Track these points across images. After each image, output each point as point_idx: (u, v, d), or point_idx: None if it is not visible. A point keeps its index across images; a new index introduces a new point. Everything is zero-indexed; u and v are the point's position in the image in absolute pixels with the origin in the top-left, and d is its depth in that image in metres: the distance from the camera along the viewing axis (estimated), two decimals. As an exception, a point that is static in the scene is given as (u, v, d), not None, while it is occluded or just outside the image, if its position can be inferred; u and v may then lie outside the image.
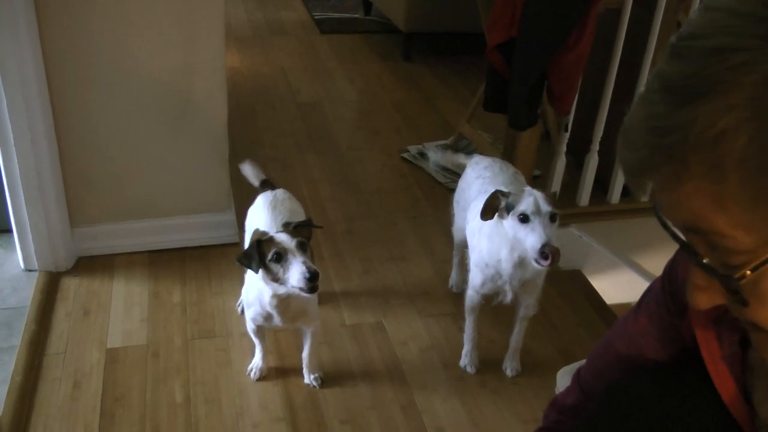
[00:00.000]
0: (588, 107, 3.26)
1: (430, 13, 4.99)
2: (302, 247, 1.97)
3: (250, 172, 2.61)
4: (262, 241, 2.00)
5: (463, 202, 2.58)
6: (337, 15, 6.10)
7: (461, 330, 2.64)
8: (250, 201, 2.54)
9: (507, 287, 2.26)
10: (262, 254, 1.98)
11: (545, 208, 2.05)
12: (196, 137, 2.86)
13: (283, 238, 1.98)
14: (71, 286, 2.79)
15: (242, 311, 2.53)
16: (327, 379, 2.41)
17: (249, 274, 2.19)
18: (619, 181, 3.38)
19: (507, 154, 3.21)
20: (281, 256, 1.95)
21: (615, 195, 3.43)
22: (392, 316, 2.72)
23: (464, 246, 2.55)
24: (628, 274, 3.71)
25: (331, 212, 3.34)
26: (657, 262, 3.72)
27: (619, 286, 3.74)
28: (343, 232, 3.20)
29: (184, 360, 2.47)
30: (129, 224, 2.96)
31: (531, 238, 2.03)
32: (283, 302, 2.10)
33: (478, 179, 2.51)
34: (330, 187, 3.55)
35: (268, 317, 2.18)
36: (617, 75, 3.09)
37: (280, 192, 2.47)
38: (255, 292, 2.15)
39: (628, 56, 3.09)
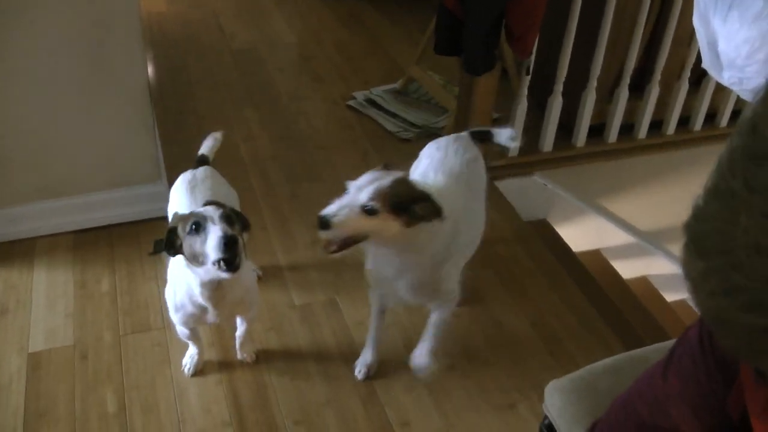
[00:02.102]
0: (549, 46, 2.98)
1: (370, -58, 4.61)
2: (227, 219, 1.66)
3: (206, 143, 2.32)
4: (181, 218, 1.71)
5: None
6: (270, -52, 5.65)
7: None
8: (183, 169, 2.23)
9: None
10: (178, 237, 1.70)
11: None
12: (114, 102, 2.53)
13: (206, 209, 1.69)
14: (-15, 278, 2.48)
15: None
16: (277, 371, 2.17)
17: (173, 271, 1.90)
18: (584, 122, 3.14)
19: (462, 99, 2.94)
20: (200, 226, 1.64)
21: (581, 137, 3.19)
22: (346, 292, 2.47)
23: None
24: (596, 220, 3.51)
25: (273, 173, 3.04)
26: (625, 206, 3.53)
27: (588, 233, 3.54)
28: (287, 197, 2.92)
29: (116, 360, 2.20)
30: (49, 203, 2.65)
31: None
32: (216, 291, 1.78)
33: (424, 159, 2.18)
34: (271, 144, 3.24)
35: (201, 315, 1.88)
36: (581, 11, 2.82)
37: (200, 170, 2.15)
38: (183, 287, 1.84)
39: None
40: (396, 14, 4.62)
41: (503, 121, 3.23)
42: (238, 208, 2.10)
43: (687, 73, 3.18)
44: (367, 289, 2.48)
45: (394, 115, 3.43)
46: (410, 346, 2.26)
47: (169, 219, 2.12)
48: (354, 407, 2.07)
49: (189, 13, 4.55)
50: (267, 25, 4.45)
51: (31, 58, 2.35)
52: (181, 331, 2.02)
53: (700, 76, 3.23)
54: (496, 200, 2.95)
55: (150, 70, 3.83)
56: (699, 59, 1.58)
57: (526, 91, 2.95)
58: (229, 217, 1.68)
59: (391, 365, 2.20)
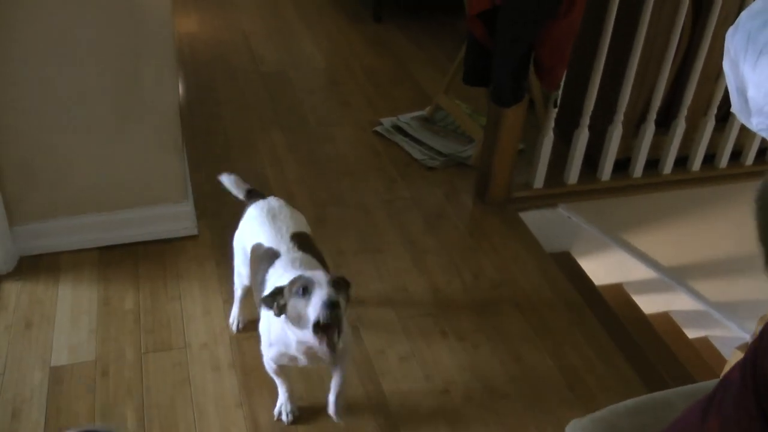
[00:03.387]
0: (577, 79, 2.99)
1: (401, -31, 4.66)
2: (335, 285, 1.67)
3: (230, 184, 2.30)
4: (290, 281, 1.72)
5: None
6: (302, -29, 5.72)
7: (444, 334, 2.42)
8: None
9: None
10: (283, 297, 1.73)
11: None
12: (145, 123, 2.56)
13: (318, 274, 1.70)
14: (12, 292, 2.51)
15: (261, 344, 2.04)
16: (297, 398, 2.16)
17: (271, 318, 1.85)
18: (610, 156, 3.14)
19: (489, 131, 2.95)
20: (307, 290, 1.65)
21: (606, 171, 3.19)
22: (368, 319, 2.48)
23: None
24: (619, 254, 3.49)
25: (299, 197, 3.06)
26: (649, 241, 3.52)
27: (611, 267, 3.53)
28: (312, 220, 2.91)
29: (137, 378, 2.21)
30: (75, 219, 2.68)
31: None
32: (310, 349, 1.77)
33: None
34: (297, 168, 3.27)
35: (292, 359, 1.88)
36: (609, 45, 2.83)
37: (272, 199, 2.17)
38: (278, 329, 1.83)
39: (620, 25, 2.82)
40: (423, 41, 4.65)
41: (528, 151, 3.24)
42: (308, 231, 2.14)
43: (713, 110, 3.18)
44: (387, 316, 2.50)
45: (420, 143, 3.45)
46: (430, 376, 2.27)
47: (235, 249, 2.20)
48: (373, 437, 2.07)
49: (219, 34, 4.61)
50: (296, 47, 4.50)
51: (63, 75, 2.39)
52: (270, 366, 1.99)
53: (726, 112, 3.22)
54: (519, 231, 2.96)
55: (180, 89, 3.89)
56: (726, 96, 1.58)
57: (552, 124, 2.96)
58: (338, 284, 1.69)
59: (410, 396, 2.20)
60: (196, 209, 2.84)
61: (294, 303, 1.68)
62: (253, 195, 2.23)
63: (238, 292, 2.32)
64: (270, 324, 1.87)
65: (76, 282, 2.57)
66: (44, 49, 2.33)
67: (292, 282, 1.71)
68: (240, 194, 2.27)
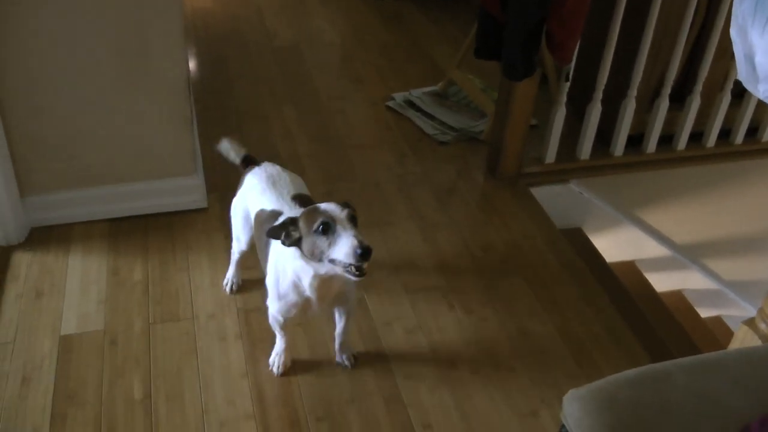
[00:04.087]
0: (589, 52, 2.96)
1: (416, -56, 4.61)
2: (353, 220, 1.69)
3: (228, 149, 2.31)
4: (305, 213, 1.74)
5: None
6: (318, -53, 5.69)
7: (451, 307, 2.42)
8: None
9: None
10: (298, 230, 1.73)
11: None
12: (154, 94, 2.57)
13: (332, 207, 1.70)
14: (23, 262, 2.53)
15: (267, 300, 2.09)
16: (302, 368, 2.18)
17: (277, 260, 1.90)
18: (623, 131, 3.11)
19: (501, 105, 2.93)
20: (329, 228, 1.67)
21: (618, 147, 3.17)
22: (375, 291, 2.48)
23: None
24: (631, 231, 3.47)
25: (310, 171, 3.06)
26: (662, 218, 3.49)
27: (623, 244, 3.51)
28: (322, 195, 2.92)
29: (144, 348, 2.23)
30: (86, 191, 2.69)
31: None
32: (325, 283, 1.82)
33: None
34: (308, 142, 3.26)
35: (303, 305, 1.91)
36: (623, 19, 2.79)
37: (268, 165, 2.17)
38: (290, 277, 1.86)
39: (634, -3, 2.79)
40: (439, 16, 4.62)
41: (541, 127, 3.22)
42: (307, 192, 2.14)
43: (729, 85, 3.14)
44: (395, 289, 2.50)
45: (432, 118, 3.43)
46: (436, 349, 2.27)
47: (234, 215, 2.23)
48: (377, 406, 2.08)
49: (233, 9, 4.60)
50: (310, 23, 4.49)
51: (70, 45, 2.39)
52: (275, 319, 2.02)
53: (742, 88, 3.16)
54: (529, 207, 2.95)
55: (192, 64, 3.89)
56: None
57: (565, 98, 2.93)
58: (354, 218, 1.70)
59: (415, 367, 2.20)
60: (207, 183, 2.85)
61: (314, 240, 1.68)
62: (249, 161, 2.24)
63: (235, 256, 2.37)
64: (278, 275, 1.90)
65: (86, 253, 2.59)
66: (54, 23, 2.34)
67: (307, 215, 1.71)
68: (237, 159, 2.28)
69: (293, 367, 2.17)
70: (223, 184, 2.88)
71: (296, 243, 1.73)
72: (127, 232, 2.69)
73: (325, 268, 1.73)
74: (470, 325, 2.36)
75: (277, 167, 2.17)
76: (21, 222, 2.62)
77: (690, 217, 3.57)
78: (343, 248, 1.63)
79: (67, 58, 2.42)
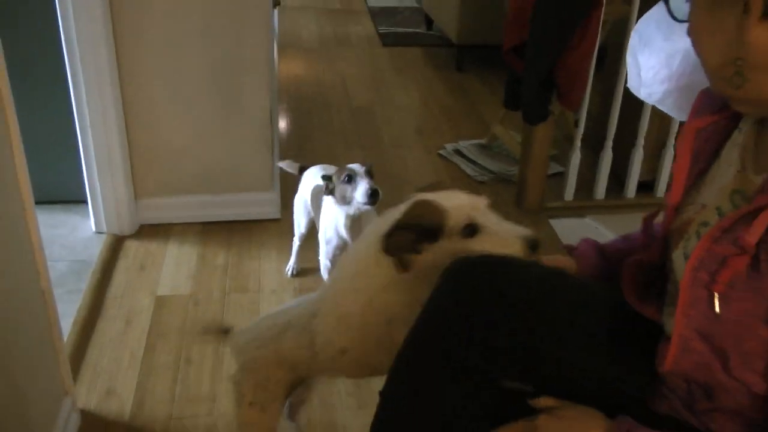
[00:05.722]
0: (604, 103, 3.52)
1: (480, 26, 5.33)
2: (369, 174, 2.44)
3: (287, 165, 3.04)
4: (337, 170, 2.51)
5: None
6: (401, 29, 6.51)
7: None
8: (295, 186, 2.99)
9: None
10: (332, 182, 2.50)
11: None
12: (244, 123, 3.28)
13: (355, 165, 2.46)
14: (132, 247, 3.24)
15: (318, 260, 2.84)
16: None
17: (323, 215, 2.63)
18: (634, 175, 3.62)
19: (523, 146, 3.51)
20: (352, 178, 2.41)
21: (630, 190, 3.67)
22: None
23: None
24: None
25: (367, 198, 3.70)
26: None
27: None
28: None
29: (219, 309, 2.87)
30: (185, 198, 3.40)
31: None
32: (355, 222, 2.51)
33: None
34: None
35: (343, 245, 2.60)
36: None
37: (317, 166, 2.92)
38: (332, 223, 2.58)
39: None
40: (496, 86, 5.27)
41: (559, 158, 3.76)
42: None
43: (731, 141, 3.61)
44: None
45: (474, 163, 4.04)
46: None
47: (296, 206, 2.98)
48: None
49: (322, 76, 5.40)
50: (385, 89, 5.22)
51: (181, 81, 3.15)
52: (325, 265, 2.72)
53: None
54: (547, 238, 3.47)
55: (282, 117, 4.65)
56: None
57: (579, 143, 3.49)
58: (370, 172, 2.46)
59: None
60: (282, 199, 3.52)
61: (341, 188, 2.42)
62: (304, 169, 2.96)
63: (296, 245, 3.04)
64: (326, 226, 2.62)
65: (181, 244, 3.28)
66: (168, 63, 3.11)
67: (338, 171, 2.47)
68: (295, 170, 2.99)
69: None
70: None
71: (332, 192, 2.46)
72: (215, 233, 3.37)
73: (352, 209, 2.44)
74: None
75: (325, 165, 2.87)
76: (134, 219, 3.34)
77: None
78: (360, 190, 2.37)
79: (179, 91, 3.16)
